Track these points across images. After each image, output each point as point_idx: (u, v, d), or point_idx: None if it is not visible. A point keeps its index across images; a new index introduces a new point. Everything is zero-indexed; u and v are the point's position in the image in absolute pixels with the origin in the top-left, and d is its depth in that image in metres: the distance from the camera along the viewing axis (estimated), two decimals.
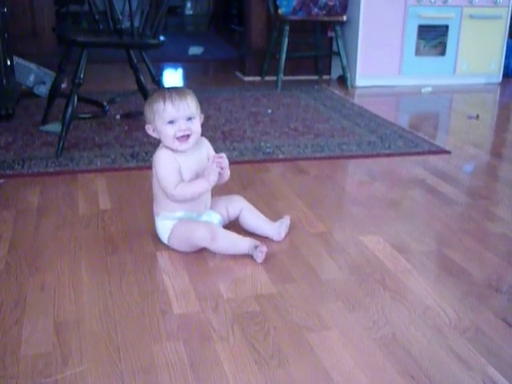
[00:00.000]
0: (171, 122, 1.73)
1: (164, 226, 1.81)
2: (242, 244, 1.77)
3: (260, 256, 1.74)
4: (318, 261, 1.79)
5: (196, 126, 1.76)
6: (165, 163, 1.77)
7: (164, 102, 1.71)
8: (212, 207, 1.89)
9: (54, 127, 2.99)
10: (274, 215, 2.06)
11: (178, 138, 1.74)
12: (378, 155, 2.81)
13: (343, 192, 2.40)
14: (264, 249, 1.75)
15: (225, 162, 1.77)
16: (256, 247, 1.75)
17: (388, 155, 2.81)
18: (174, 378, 1.27)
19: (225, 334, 1.43)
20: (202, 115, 1.82)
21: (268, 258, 1.77)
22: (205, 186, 1.76)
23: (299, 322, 1.48)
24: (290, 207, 2.17)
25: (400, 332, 1.45)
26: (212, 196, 1.89)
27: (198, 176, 1.79)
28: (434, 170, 2.61)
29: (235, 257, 1.78)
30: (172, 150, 1.77)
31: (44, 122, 3.09)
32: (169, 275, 1.69)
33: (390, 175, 2.56)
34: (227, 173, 1.83)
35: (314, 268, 1.75)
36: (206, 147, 1.87)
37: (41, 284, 1.63)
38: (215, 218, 1.88)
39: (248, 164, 2.63)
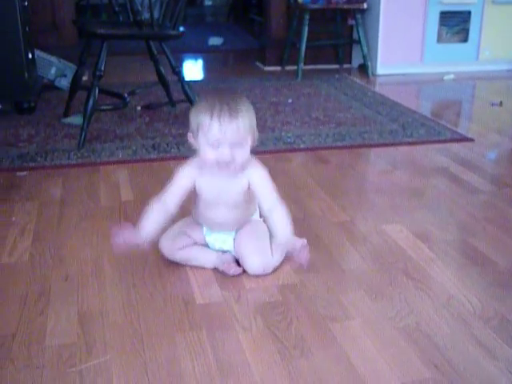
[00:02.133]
0: (214, 145, 1.50)
1: None
2: (208, 258, 1.67)
3: (228, 270, 1.63)
4: (340, 250, 1.79)
5: (242, 154, 1.51)
6: (178, 176, 1.61)
7: (211, 118, 1.47)
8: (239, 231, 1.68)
9: (76, 119, 3.00)
10: (295, 205, 2.05)
11: (217, 164, 1.53)
12: (400, 144, 2.78)
13: (365, 181, 2.39)
14: (229, 270, 1.63)
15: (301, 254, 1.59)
16: (223, 269, 1.64)
17: (410, 143, 2.78)
18: (198, 367, 1.28)
19: (247, 324, 1.43)
20: (257, 133, 1.57)
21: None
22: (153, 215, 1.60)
23: (322, 311, 1.48)
24: (311, 197, 2.17)
25: (423, 321, 1.44)
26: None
27: (219, 200, 1.61)
28: (456, 158, 2.58)
29: None
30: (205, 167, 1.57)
31: (66, 114, 3.11)
32: (191, 266, 1.69)
33: (412, 164, 2.54)
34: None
35: (336, 257, 1.74)
36: (248, 180, 1.59)
37: (65, 275, 1.65)
38: (221, 243, 1.69)
39: (269, 154, 2.62)
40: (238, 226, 1.67)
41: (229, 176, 1.57)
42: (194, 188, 1.61)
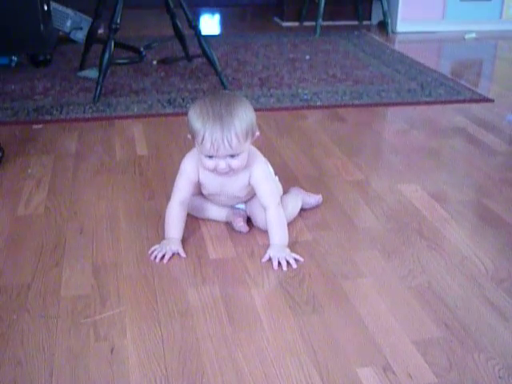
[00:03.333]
0: (210, 157, 1.48)
1: None
2: (221, 210, 1.68)
3: (236, 223, 1.64)
4: (354, 209, 1.78)
5: (238, 162, 1.48)
6: (182, 172, 1.59)
7: (204, 133, 1.42)
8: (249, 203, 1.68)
9: (92, 73, 2.99)
10: (310, 163, 2.05)
11: (215, 170, 1.50)
12: (418, 103, 2.75)
13: (381, 140, 2.37)
14: (237, 223, 1.63)
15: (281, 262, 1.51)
16: (235, 214, 1.65)
17: (428, 103, 2.75)
18: (210, 320, 1.29)
19: (260, 280, 1.44)
20: (257, 133, 1.53)
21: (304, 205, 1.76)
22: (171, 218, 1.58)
23: (334, 269, 1.48)
24: (327, 155, 2.15)
25: (436, 281, 1.44)
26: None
27: (222, 194, 1.61)
28: (475, 119, 2.55)
29: None
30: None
31: (81, 67, 3.09)
32: (205, 221, 1.70)
33: (429, 123, 2.51)
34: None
35: (350, 216, 1.74)
36: (249, 176, 1.56)
37: (79, 228, 1.66)
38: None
39: (285, 111, 2.60)
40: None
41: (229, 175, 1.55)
42: (198, 179, 1.59)
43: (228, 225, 1.68)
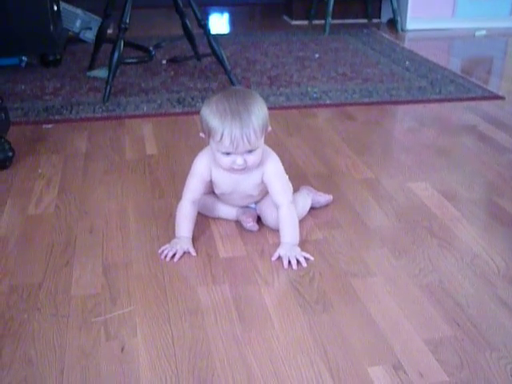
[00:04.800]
0: (227, 154, 1.48)
1: None
2: (231, 208, 1.68)
3: (246, 222, 1.64)
4: (364, 207, 1.78)
5: (254, 158, 1.49)
6: (194, 171, 1.58)
7: (222, 131, 1.42)
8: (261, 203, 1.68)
9: (101, 72, 3.00)
10: (320, 162, 2.05)
11: (231, 168, 1.51)
12: (428, 101, 2.73)
13: (391, 138, 2.36)
14: (247, 223, 1.64)
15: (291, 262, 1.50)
16: (245, 213, 1.66)
17: (438, 101, 2.73)
18: (220, 319, 1.29)
19: (270, 279, 1.44)
20: (269, 128, 1.52)
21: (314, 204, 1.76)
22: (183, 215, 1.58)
23: (345, 267, 1.48)
24: (336, 153, 2.15)
25: (447, 280, 1.43)
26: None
27: (235, 192, 1.61)
28: (486, 117, 2.53)
29: None
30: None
31: (91, 67, 3.10)
32: (215, 220, 1.70)
33: (440, 121, 2.50)
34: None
35: (360, 215, 1.73)
36: (262, 173, 1.56)
37: (90, 227, 1.66)
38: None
39: (295, 109, 2.59)
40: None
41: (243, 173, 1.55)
42: (210, 178, 1.59)
43: (238, 223, 1.67)
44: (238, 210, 1.67)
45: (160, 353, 1.20)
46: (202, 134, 1.52)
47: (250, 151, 1.47)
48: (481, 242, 1.60)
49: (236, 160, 1.47)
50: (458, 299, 1.36)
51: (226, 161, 1.48)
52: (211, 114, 1.44)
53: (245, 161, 1.48)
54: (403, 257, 1.53)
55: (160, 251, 1.54)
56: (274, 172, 1.56)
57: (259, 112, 1.45)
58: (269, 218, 1.63)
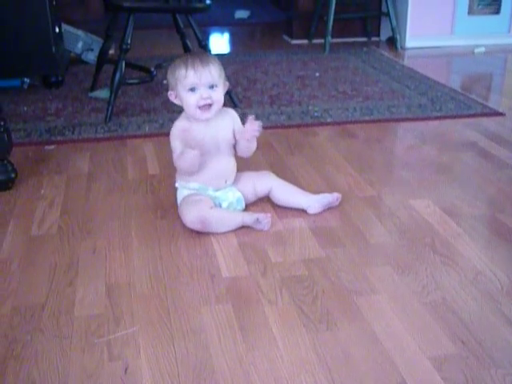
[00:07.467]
0: (192, 90, 1.68)
1: (179, 195, 1.80)
2: (235, 221, 1.74)
3: (264, 225, 1.73)
4: (366, 225, 1.78)
5: (218, 94, 1.71)
6: (174, 134, 1.73)
7: (186, 68, 1.67)
8: (237, 183, 1.84)
9: (103, 93, 3.01)
10: (322, 180, 2.05)
11: (199, 107, 1.69)
12: (429, 118, 2.74)
13: (393, 156, 2.36)
14: (264, 219, 1.72)
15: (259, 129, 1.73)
16: (257, 220, 1.72)
17: (439, 118, 2.74)
18: (223, 339, 1.29)
19: (273, 298, 1.43)
20: (227, 83, 1.77)
21: (316, 222, 1.76)
22: (191, 155, 1.68)
23: (348, 285, 1.48)
24: (338, 171, 2.15)
25: (450, 296, 1.43)
26: (240, 171, 1.86)
27: (218, 147, 1.76)
28: (486, 133, 2.54)
29: (283, 221, 1.78)
30: (193, 119, 1.73)
31: (93, 88, 3.12)
32: (217, 239, 1.70)
33: (440, 138, 2.51)
34: (254, 144, 1.80)
35: (362, 232, 1.73)
36: (232, 119, 1.80)
37: (92, 247, 1.67)
38: (233, 195, 1.81)
39: (296, 128, 2.60)
40: (235, 178, 1.84)
41: (216, 120, 1.74)
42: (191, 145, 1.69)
43: (240, 242, 1.68)
44: (244, 215, 1.75)
45: (164, 373, 1.20)
46: (170, 95, 1.75)
47: (212, 87, 1.69)
48: (483, 258, 1.59)
49: (202, 94, 1.67)
50: (461, 316, 1.36)
51: (193, 98, 1.69)
52: (175, 65, 1.71)
53: (209, 96, 1.68)
54: (406, 274, 1.52)
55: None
56: (237, 116, 1.82)
57: (215, 60, 1.72)
58: (250, 193, 1.85)
